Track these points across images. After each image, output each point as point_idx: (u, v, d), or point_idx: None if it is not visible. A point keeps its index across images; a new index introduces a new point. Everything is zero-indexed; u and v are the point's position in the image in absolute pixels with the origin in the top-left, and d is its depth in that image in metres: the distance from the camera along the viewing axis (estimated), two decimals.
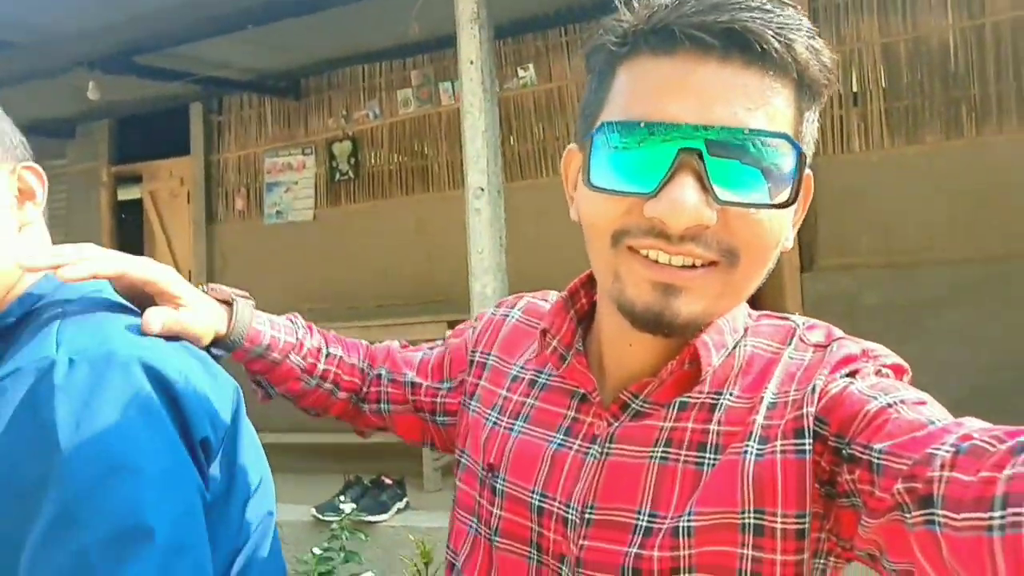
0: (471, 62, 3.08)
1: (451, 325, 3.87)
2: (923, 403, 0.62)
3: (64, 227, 7.25)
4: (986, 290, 4.25)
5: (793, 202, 0.66)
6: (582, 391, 0.80)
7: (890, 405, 0.61)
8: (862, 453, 0.59)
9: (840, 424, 0.63)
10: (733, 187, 0.64)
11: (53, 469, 0.64)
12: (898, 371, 0.70)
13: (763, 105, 0.64)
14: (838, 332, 0.75)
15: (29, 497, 0.64)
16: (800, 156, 0.65)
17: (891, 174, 4.51)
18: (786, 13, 0.65)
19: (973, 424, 0.56)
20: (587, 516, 0.73)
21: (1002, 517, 0.46)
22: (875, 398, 0.63)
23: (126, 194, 7.52)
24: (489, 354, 0.93)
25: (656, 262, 0.66)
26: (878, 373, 0.68)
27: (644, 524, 0.70)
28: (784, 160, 0.65)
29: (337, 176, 6.07)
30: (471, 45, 3.09)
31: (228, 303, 0.93)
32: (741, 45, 0.63)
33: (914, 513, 0.52)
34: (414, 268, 5.61)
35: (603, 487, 0.73)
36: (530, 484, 0.78)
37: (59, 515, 0.63)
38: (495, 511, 0.81)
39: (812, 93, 0.69)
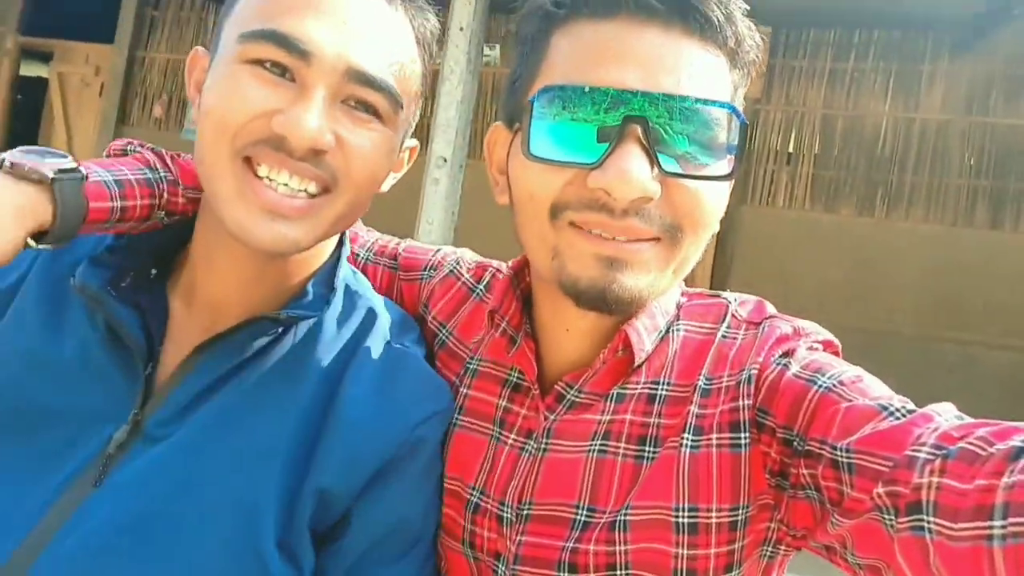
0: (460, 28, 3.02)
1: None
2: (860, 379, 0.61)
3: None
4: (869, 357, 4.61)
5: (734, 175, 0.65)
6: (514, 379, 0.77)
7: (830, 389, 0.60)
8: (820, 449, 0.58)
9: (786, 415, 0.62)
10: (678, 158, 0.62)
11: None
12: (828, 346, 0.69)
13: (704, 75, 0.63)
14: (770, 308, 0.74)
15: None
16: (742, 127, 0.64)
17: (804, 234, 4.84)
18: None
19: (941, 417, 0.55)
20: (524, 512, 0.70)
21: (1003, 527, 0.45)
22: (813, 381, 0.61)
23: (30, 70, 6.87)
24: (444, 325, 0.86)
25: (600, 236, 0.64)
26: (810, 349, 0.67)
27: (583, 519, 0.68)
28: (728, 132, 0.63)
29: None
30: (464, 11, 3.03)
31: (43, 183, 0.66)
32: (683, 11, 0.63)
33: (899, 519, 0.50)
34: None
35: (541, 484, 0.70)
36: (470, 480, 0.75)
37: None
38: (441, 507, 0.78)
39: (744, 72, 0.68)
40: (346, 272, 0.83)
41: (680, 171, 0.62)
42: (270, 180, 0.67)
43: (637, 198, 0.61)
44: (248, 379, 0.74)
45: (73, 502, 0.69)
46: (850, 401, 0.58)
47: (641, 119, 0.60)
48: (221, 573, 0.68)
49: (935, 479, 0.49)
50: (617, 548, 0.65)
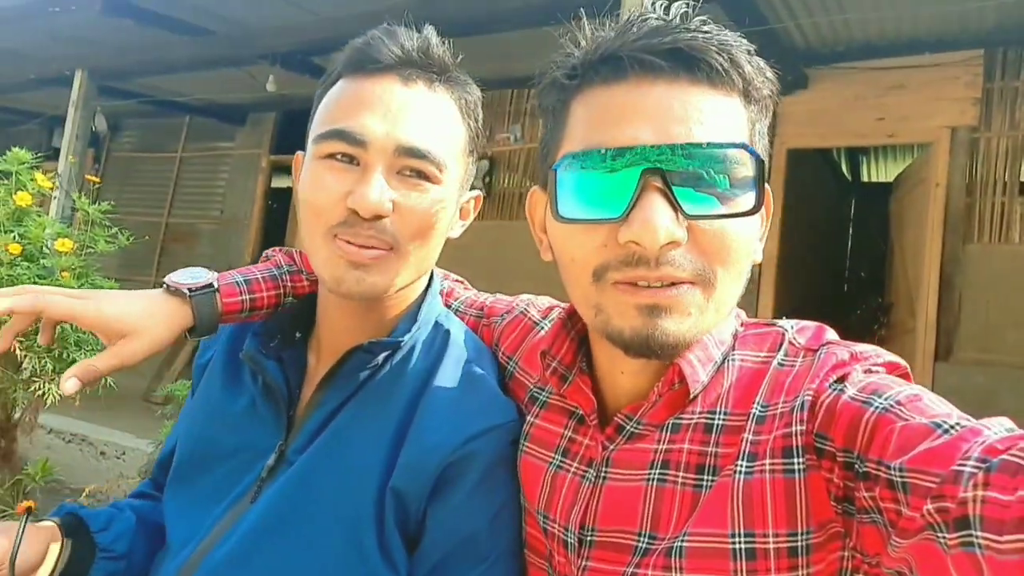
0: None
1: None
2: (919, 398, 0.60)
3: (221, 204, 7.89)
4: None
5: (758, 209, 0.66)
6: (580, 412, 0.80)
7: (887, 409, 0.59)
8: (876, 470, 0.57)
9: (844, 438, 0.61)
10: (699, 201, 0.65)
11: None
12: (893, 368, 0.68)
13: (715, 118, 0.66)
14: (830, 335, 0.73)
15: None
16: (759, 163, 0.66)
17: None
18: (725, 32, 0.68)
19: (990, 429, 0.54)
20: (587, 538, 0.73)
21: None
22: (869, 403, 0.61)
23: (280, 182, 8.08)
24: (511, 358, 0.94)
25: (636, 286, 0.66)
26: (868, 372, 0.66)
27: (644, 545, 0.69)
28: (744, 169, 0.65)
29: None
30: None
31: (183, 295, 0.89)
32: (687, 64, 0.66)
33: (949, 535, 0.50)
34: (529, 290, 5.66)
35: (602, 511, 0.73)
36: (535, 504, 0.80)
37: None
38: (523, 524, 0.83)
39: (760, 106, 0.70)
40: (437, 311, 0.97)
41: (702, 213, 0.65)
42: (349, 243, 0.83)
43: (666, 244, 0.64)
44: (356, 404, 0.88)
45: (233, 519, 0.86)
46: (906, 420, 0.57)
47: (658, 171, 0.64)
48: (336, 570, 0.80)
49: (979, 492, 0.49)
50: (673, 575, 0.66)
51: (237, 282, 0.94)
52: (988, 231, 4.35)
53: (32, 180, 3.01)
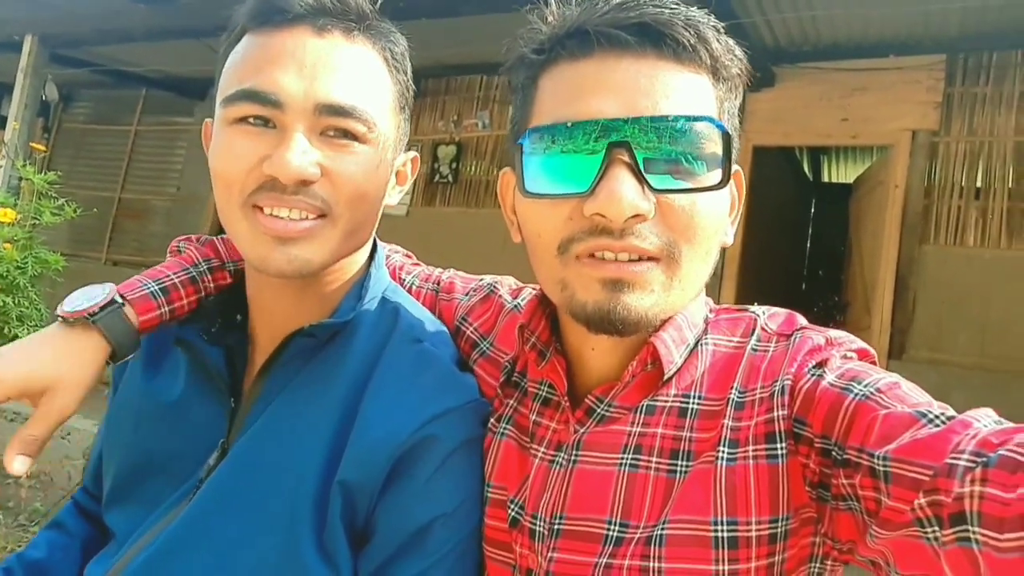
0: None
1: None
2: (897, 385, 0.60)
3: (178, 180, 7.67)
4: None
5: (725, 183, 0.66)
6: (543, 394, 0.78)
7: (868, 396, 0.59)
8: (858, 457, 0.57)
9: (823, 424, 0.61)
10: (665, 175, 0.64)
11: None
12: (863, 355, 0.69)
13: (682, 94, 0.66)
14: (801, 320, 0.74)
15: None
16: (726, 137, 0.65)
17: (1003, 275, 4.27)
18: (693, 9, 0.67)
19: (979, 421, 0.54)
20: (556, 527, 0.71)
21: None
22: (849, 390, 0.61)
23: None
24: (485, 337, 0.90)
25: (603, 260, 0.66)
26: (844, 358, 0.67)
27: (615, 534, 0.68)
28: (711, 144, 0.65)
29: (437, 177, 6.20)
30: None
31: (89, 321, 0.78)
32: (654, 39, 0.65)
33: (943, 531, 0.49)
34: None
35: (571, 497, 0.71)
36: (512, 492, 0.76)
37: None
38: (483, 519, 0.79)
39: (729, 85, 0.70)
40: (383, 285, 0.90)
41: (669, 187, 0.64)
42: (274, 215, 0.75)
43: (632, 216, 0.63)
44: (294, 392, 0.81)
45: (166, 524, 0.78)
46: (888, 408, 0.57)
47: (624, 144, 0.63)
48: (265, 573, 0.73)
49: (977, 488, 0.48)
50: (652, 564, 0.65)
51: (152, 292, 0.84)
52: (944, 233, 4.44)
53: None
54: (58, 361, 0.75)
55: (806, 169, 7.86)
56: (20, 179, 3.17)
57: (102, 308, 0.79)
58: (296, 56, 0.75)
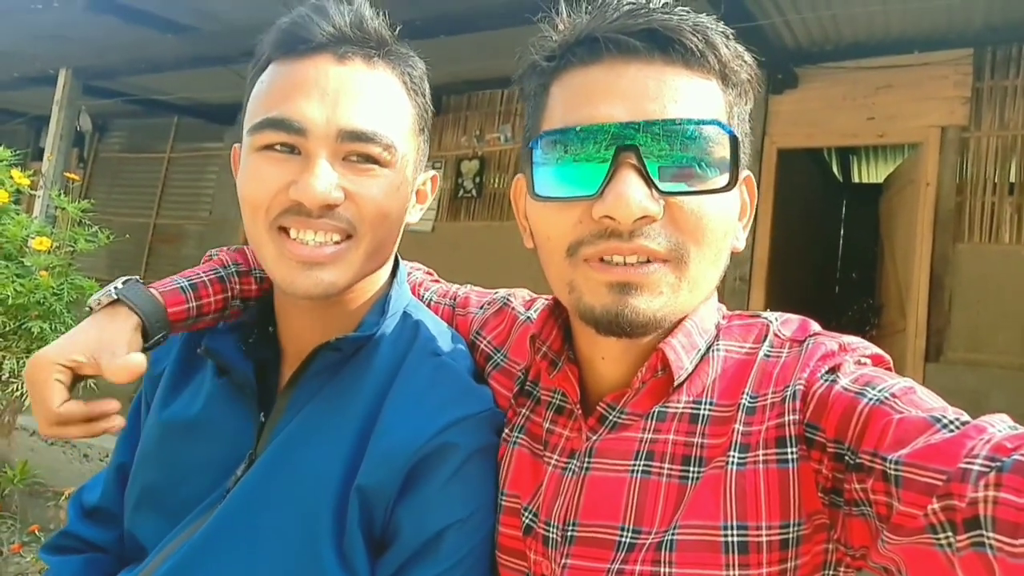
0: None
1: None
2: (912, 390, 0.60)
3: (210, 205, 7.83)
4: None
5: (733, 186, 0.66)
6: (556, 402, 0.79)
7: (882, 401, 0.59)
8: (871, 462, 0.56)
9: (836, 429, 0.61)
10: (673, 178, 0.64)
11: None
12: (878, 360, 0.68)
13: (690, 98, 0.66)
14: (815, 326, 0.73)
15: None
16: (734, 141, 0.65)
17: None
18: (701, 15, 0.68)
19: (993, 427, 0.54)
20: (569, 534, 0.71)
21: None
22: (863, 395, 0.60)
23: None
24: (499, 349, 0.91)
25: (611, 263, 0.66)
26: (858, 363, 0.66)
27: (628, 540, 0.68)
28: (718, 146, 0.65)
29: (460, 192, 6.24)
30: None
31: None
32: (662, 44, 0.66)
33: (957, 536, 0.49)
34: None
35: (584, 504, 0.71)
36: (526, 500, 0.77)
37: None
38: (497, 527, 0.80)
39: (739, 90, 0.70)
40: (405, 300, 0.93)
41: (677, 189, 0.65)
42: (300, 239, 0.78)
43: (640, 218, 0.64)
44: (319, 403, 0.83)
45: (192, 532, 0.81)
46: (902, 413, 0.57)
47: (632, 147, 0.64)
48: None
49: (991, 493, 0.48)
50: (663, 570, 0.65)
51: (182, 287, 0.88)
52: (978, 231, 4.33)
53: (9, 178, 2.96)
54: (99, 330, 0.80)
55: (835, 170, 7.75)
56: (57, 208, 3.26)
57: (124, 283, 0.84)
58: (319, 84, 0.78)
